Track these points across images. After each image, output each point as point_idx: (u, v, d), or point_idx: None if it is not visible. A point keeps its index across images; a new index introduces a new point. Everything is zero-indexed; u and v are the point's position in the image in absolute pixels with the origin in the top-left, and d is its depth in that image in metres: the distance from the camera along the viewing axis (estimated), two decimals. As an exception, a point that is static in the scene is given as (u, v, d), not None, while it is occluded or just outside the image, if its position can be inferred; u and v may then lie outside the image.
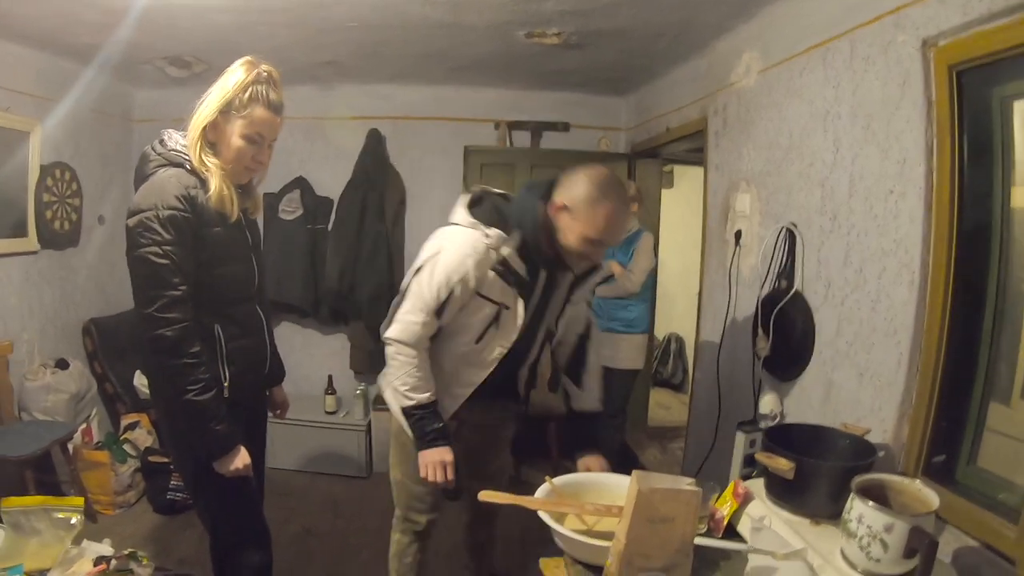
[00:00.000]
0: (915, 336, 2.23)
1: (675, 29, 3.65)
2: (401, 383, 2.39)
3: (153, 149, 2.23)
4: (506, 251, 2.30)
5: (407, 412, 2.44)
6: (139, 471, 4.35)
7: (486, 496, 2.04)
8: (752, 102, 3.35)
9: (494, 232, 2.29)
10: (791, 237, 2.91)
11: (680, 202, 6.71)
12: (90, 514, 3.92)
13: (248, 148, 2.21)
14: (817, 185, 2.77)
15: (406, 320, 2.36)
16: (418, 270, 2.35)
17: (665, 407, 6.58)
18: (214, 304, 2.25)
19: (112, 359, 4.84)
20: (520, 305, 2.39)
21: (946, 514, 1.97)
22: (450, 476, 2.44)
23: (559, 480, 2.16)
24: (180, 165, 2.18)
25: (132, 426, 4.54)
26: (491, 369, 2.48)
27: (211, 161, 2.19)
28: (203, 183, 2.19)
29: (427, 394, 2.41)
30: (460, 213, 2.36)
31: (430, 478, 2.43)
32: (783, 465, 1.95)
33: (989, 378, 2.09)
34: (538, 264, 2.36)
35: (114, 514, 4.19)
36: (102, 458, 4.17)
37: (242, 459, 2.24)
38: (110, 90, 5.07)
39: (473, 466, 2.90)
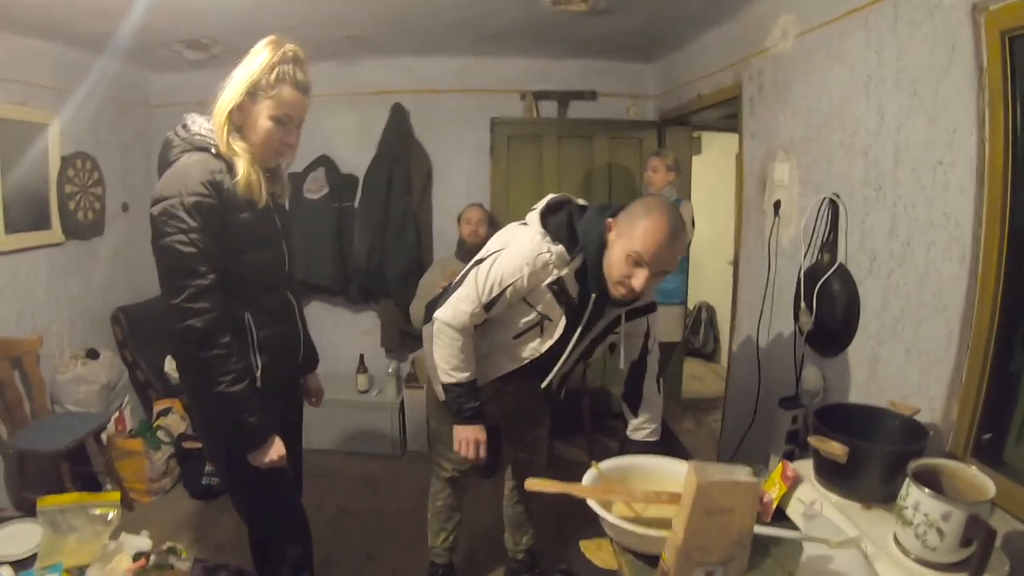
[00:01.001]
0: (965, 312, 2.14)
1: (705, -9, 3.54)
2: (444, 361, 2.50)
3: (176, 134, 2.18)
4: (564, 272, 2.35)
5: (447, 388, 2.55)
6: (173, 457, 4.38)
7: (533, 486, 2.02)
8: (789, 67, 3.24)
9: (557, 250, 2.32)
10: (833, 208, 2.82)
11: (709, 169, 6.62)
12: (126, 503, 3.96)
13: (276, 130, 2.16)
14: (860, 154, 2.68)
15: (457, 307, 2.44)
16: (480, 261, 2.43)
17: (698, 378, 6.54)
18: (243, 292, 2.21)
19: (142, 346, 4.85)
20: (562, 322, 2.44)
21: (995, 497, 1.92)
22: (482, 454, 2.59)
23: (605, 464, 2.14)
24: (205, 149, 2.14)
25: (165, 412, 4.57)
26: (522, 364, 2.56)
27: (238, 145, 2.14)
28: (230, 168, 2.15)
29: (467, 374, 2.51)
30: (534, 218, 2.40)
31: (462, 453, 2.59)
32: (836, 450, 1.90)
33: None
34: (591, 290, 2.37)
35: (150, 501, 4.23)
36: (136, 446, 4.20)
37: (276, 450, 2.22)
38: (127, 77, 5.05)
39: (512, 432, 3.03)
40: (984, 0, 2.04)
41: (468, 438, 2.56)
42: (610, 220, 2.28)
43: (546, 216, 2.39)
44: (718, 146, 6.67)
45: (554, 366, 2.59)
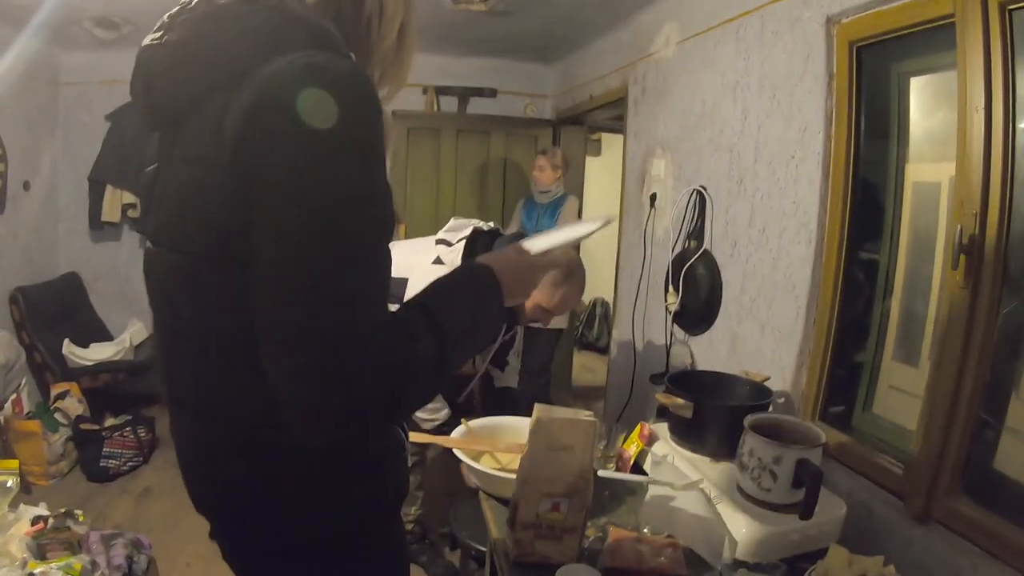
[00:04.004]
0: (812, 291, 2.40)
1: (598, 0, 3.76)
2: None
3: None
4: None
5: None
6: (71, 440, 4.32)
7: None
8: (669, 72, 3.50)
9: None
10: (701, 199, 3.08)
11: (608, 169, 6.84)
12: (24, 486, 3.92)
13: None
14: (726, 151, 2.93)
15: None
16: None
17: (590, 369, 6.77)
18: None
19: (40, 328, 4.75)
20: None
21: (842, 456, 2.17)
22: None
23: (475, 423, 2.29)
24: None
25: (62, 395, 4.50)
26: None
27: None
28: None
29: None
30: (457, 258, 2.57)
31: None
32: (683, 406, 2.10)
33: (880, 334, 2.29)
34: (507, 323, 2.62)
35: (48, 485, 4.16)
36: (34, 428, 4.11)
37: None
38: (36, 53, 4.90)
39: None
40: (837, 14, 2.30)
41: None
42: None
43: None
44: (616, 148, 6.92)
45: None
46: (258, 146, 0.95)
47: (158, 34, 1.11)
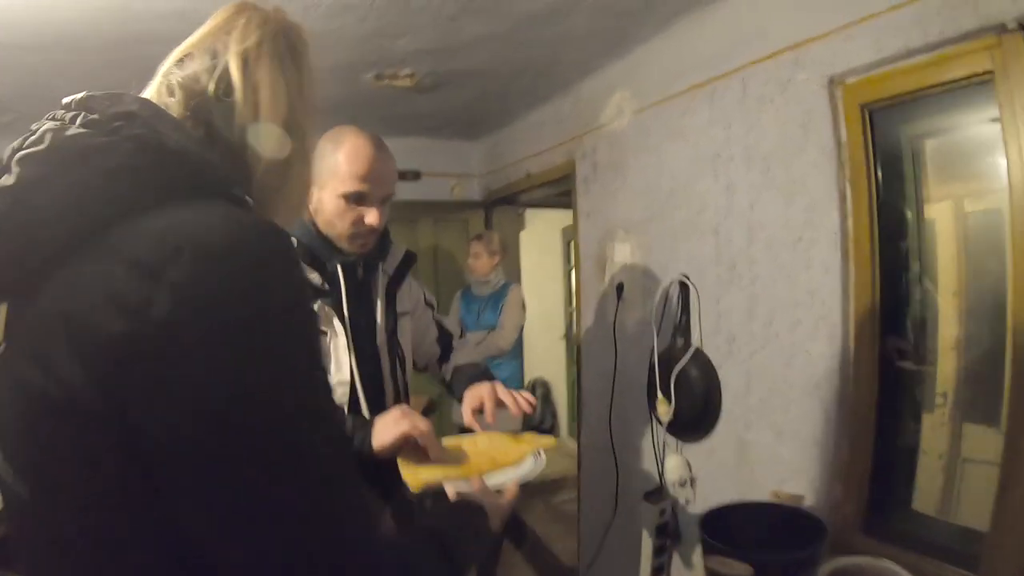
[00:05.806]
0: (841, 391, 2.08)
1: (537, 67, 3.40)
2: None
3: None
4: None
5: None
6: None
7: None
8: (626, 145, 3.16)
9: None
10: (684, 289, 2.69)
11: (534, 242, 6.61)
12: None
13: None
14: (710, 233, 2.60)
15: None
16: None
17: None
18: None
19: None
20: (336, 322, 1.88)
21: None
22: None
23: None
24: None
25: None
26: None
27: None
28: None
29: None
30: None
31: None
32: (741, 572, 1.72)
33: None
34: (326, 262, 1.90)
35: None
36: None
37: None
38: None
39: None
40: (841, 74, 2.03)
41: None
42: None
43: None
44: (542, 220, 6.67)
45: (382, 398, 1.98)
46: (161, 358, 0.71)
47: None
